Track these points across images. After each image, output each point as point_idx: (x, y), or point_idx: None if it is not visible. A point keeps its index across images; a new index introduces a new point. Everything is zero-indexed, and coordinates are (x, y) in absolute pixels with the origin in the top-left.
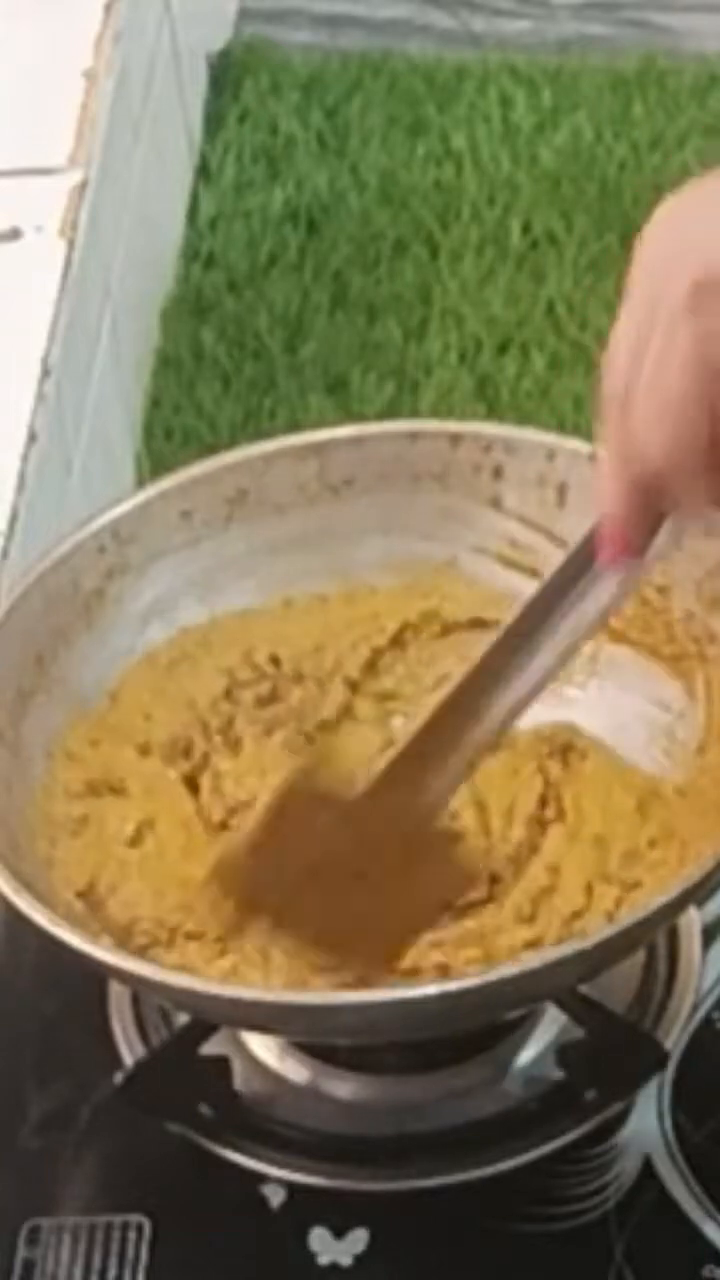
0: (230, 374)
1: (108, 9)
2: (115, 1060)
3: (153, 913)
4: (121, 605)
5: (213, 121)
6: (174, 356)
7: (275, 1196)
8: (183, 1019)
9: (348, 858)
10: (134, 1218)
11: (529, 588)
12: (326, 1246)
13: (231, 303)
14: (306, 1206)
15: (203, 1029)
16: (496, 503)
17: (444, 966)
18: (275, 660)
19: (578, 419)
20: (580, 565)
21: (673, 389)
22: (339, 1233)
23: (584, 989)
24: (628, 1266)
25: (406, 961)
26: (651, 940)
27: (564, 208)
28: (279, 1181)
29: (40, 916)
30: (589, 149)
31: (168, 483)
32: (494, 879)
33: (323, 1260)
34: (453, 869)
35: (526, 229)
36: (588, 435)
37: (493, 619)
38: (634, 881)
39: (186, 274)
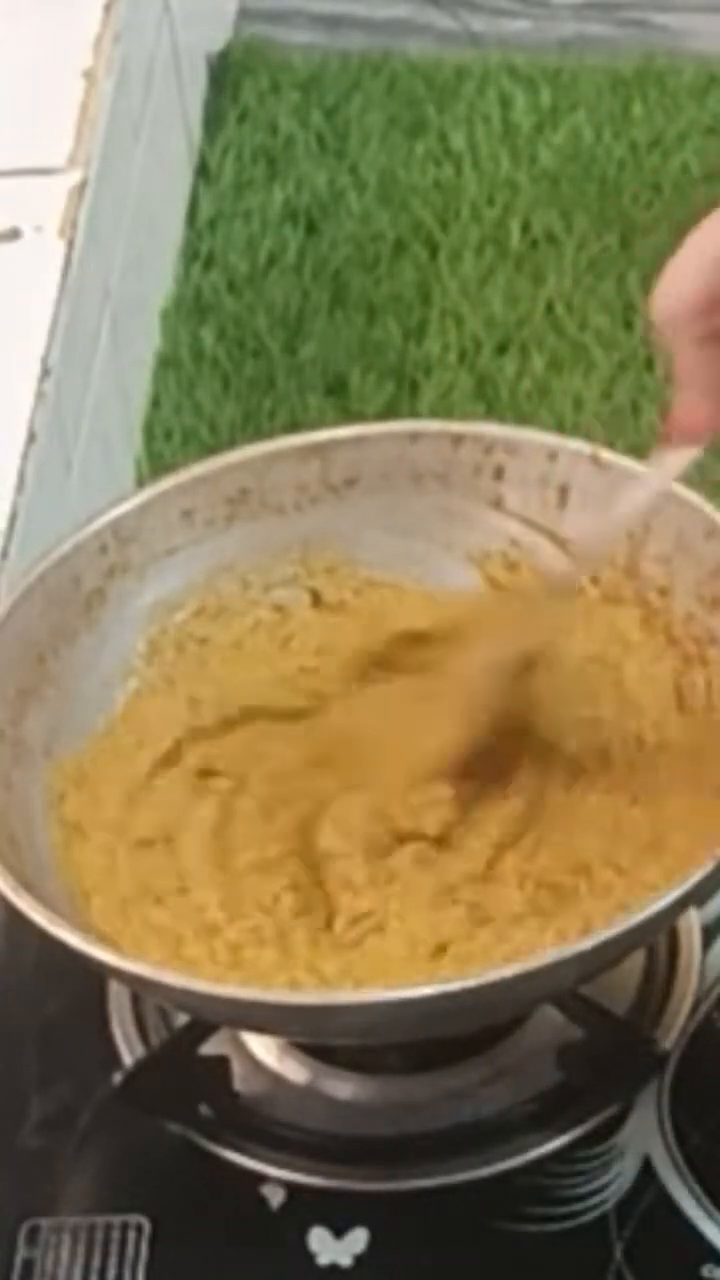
0: (230, 374)
1: (108, 9)
2: (115, 1060)
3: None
4: (122, 604)
5: (212, 121)
6: (174, 356)
7: (275, 1196)
8: (182, 1019)
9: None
10: (134, 1218)
11: None
12: (326, 1246)
13: (231, 303)
14: (306, 1206)
15: (202, 1029)
16: (498, 503)
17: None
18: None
19: (577, 419)
20: None
21: None
22: (339, 1233)
23: (583, 989)
24: (627, 1266)
25: None
26: (651, 942)
27: (563, 207)
28: (279, 1181)
29: (40, 916)
30: (588, 149)
31: (169, 482)
32: None
33: (322, 1260)
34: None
35: (526, 229)
36: (588, 435)
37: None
38: None
39: (186, 274)
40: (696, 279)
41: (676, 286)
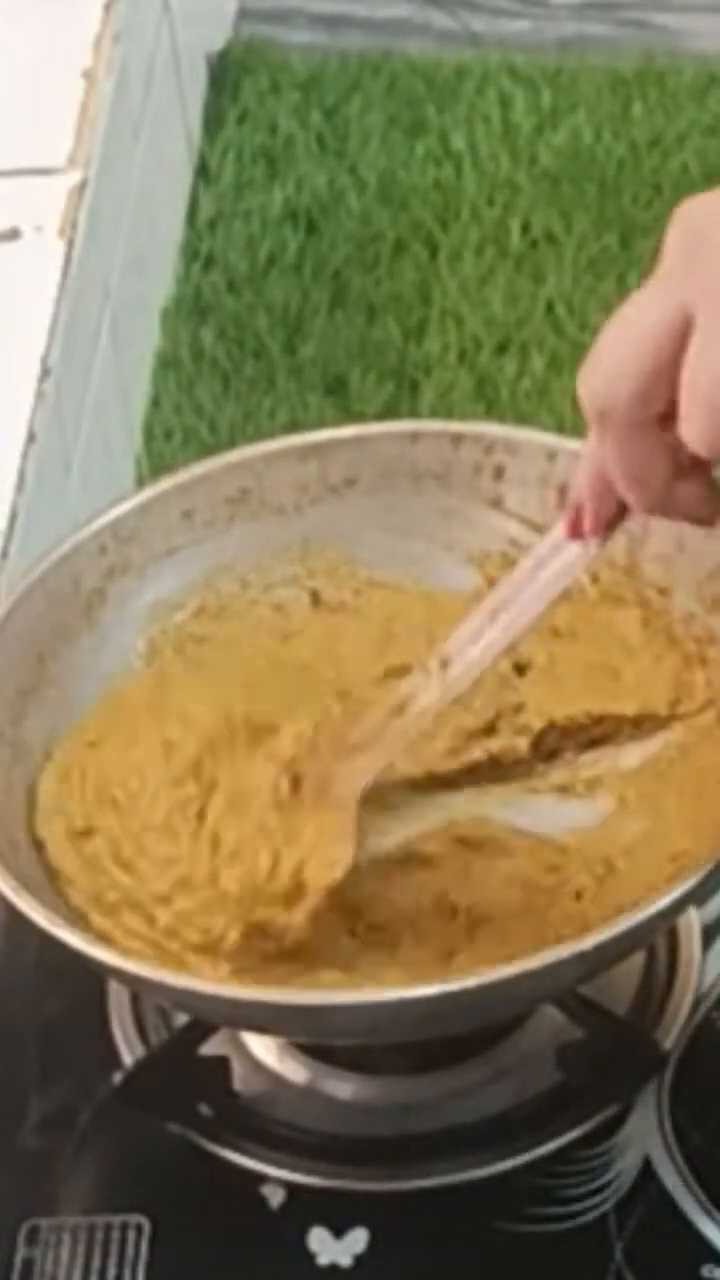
0: (230, 374)
1: (108, 9)
2: (115, 1060)
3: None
4: (122, 605)
5: (212, 121)
6: (174, 356)
7: (275, 1196)
8: (182, 1019)
9: None
10: (134, 1218)
11: None
12: (326, 1246)
13: (231, 303)
14: (306, 1206)
15: (202, 1029)
16: (498, 503)
17: None
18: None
19: (577, 419)
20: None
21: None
22: (338, 1233)
23: (584, 989)
24: (627, 1266)
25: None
26: (651, 942)
27: (563, 207)
28: (278, 1181)
29: (40, 916)
30: (588, 149)
31: (169, 482)
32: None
33: (322, 1260)
34: None
35: (526, 229)
36: (588, 435)
37: None
38: None
39: (186, 274)
40: (635, 361)
41: (614, 368)
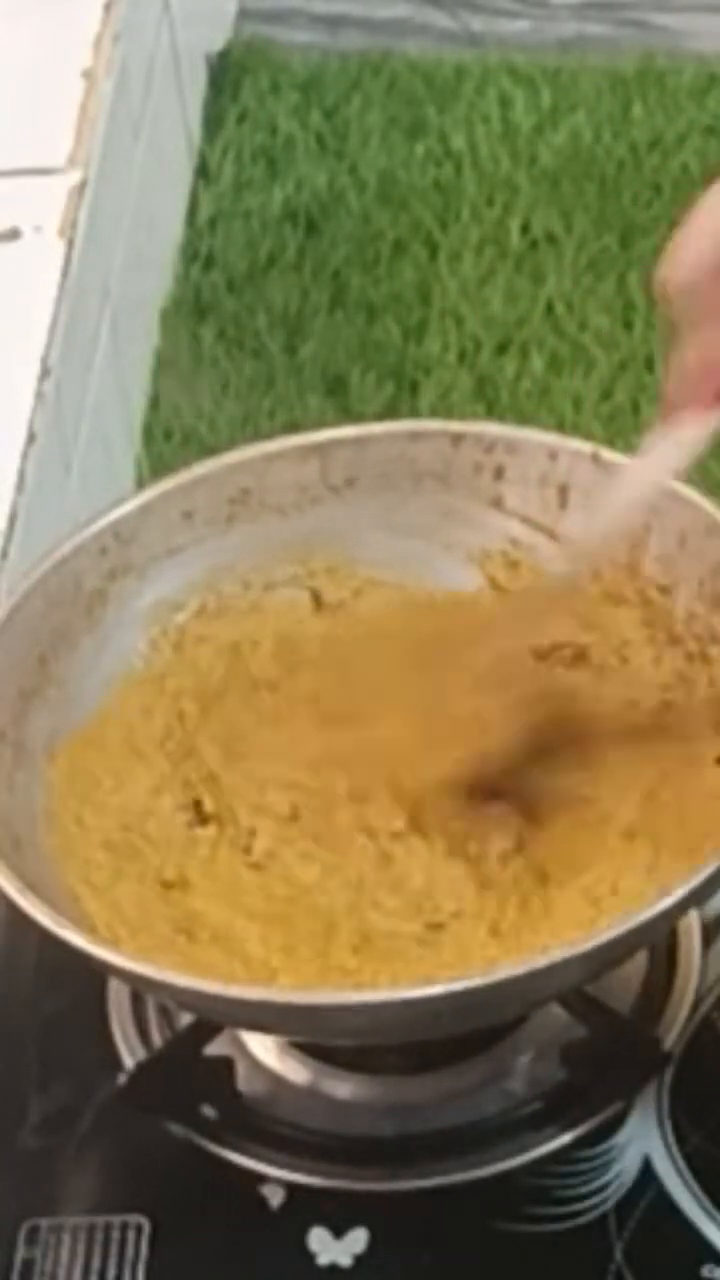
0: (230, 374)
1: (107, 9)
2: (115, 1060)
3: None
4: (123, 605)
5: (212, 121)
6: (173, 356)
7: (275, 1196)
8: (184, 1019)
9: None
10: (134, 1218)
11: None
12: (326, 1246)
13: (231, 303)
14: (306, 1206)
15: (207, 1029)
16: (498, 503)
17: None
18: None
19: (577, 419)
20: None
21: None
22: (338, 1233)
23: (587, 987)
24: (627, 1267)
25: None
26: (653, 942)
27: (563, 207)
28: (279, 1181)
29: (42, 916)
30: (588, 149)
31: (169, 483)
32: None
33: (322, 1260)
34: None
35: (526, 229)
36: (588, 435)
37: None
38: None
39: (186, 274)
40: (710, 246)
41: (689, 254)
